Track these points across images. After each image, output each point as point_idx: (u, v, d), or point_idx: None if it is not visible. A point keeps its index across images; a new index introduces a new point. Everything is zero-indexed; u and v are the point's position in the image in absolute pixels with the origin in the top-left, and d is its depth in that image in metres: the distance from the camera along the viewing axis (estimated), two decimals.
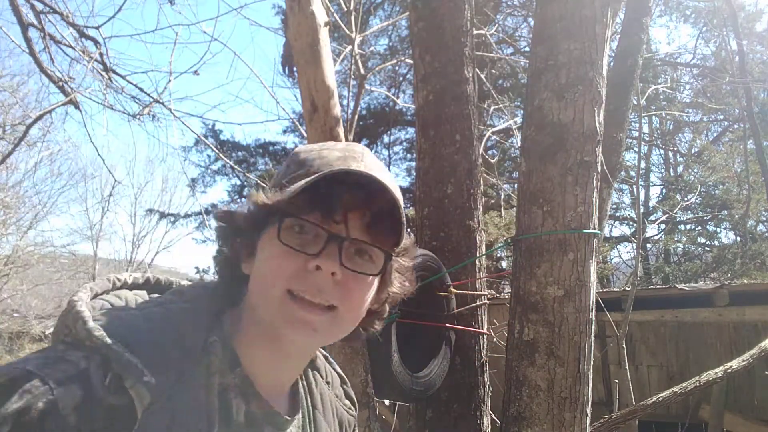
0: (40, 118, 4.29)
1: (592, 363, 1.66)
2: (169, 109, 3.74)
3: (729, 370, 2.28)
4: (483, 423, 2.22)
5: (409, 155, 13.98)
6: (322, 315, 0.63)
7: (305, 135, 1.94)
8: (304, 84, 1.79)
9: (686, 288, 5.33)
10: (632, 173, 9.84)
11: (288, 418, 0.71)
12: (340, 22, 3.43)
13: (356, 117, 3.43)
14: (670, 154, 15.60)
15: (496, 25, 7.45)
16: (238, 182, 14.42)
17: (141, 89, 4.05)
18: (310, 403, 0.79)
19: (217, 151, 11.94)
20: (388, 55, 12.17)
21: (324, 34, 1.77)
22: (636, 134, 10.45)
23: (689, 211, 12.86)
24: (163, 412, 0.56)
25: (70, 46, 3.98)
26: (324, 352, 0.89)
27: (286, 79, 9.59)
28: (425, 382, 2.04)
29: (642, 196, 14.53)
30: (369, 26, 9.84)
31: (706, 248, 13.21)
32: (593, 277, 1.65)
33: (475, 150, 2.31)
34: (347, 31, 3.24)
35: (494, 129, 4.45)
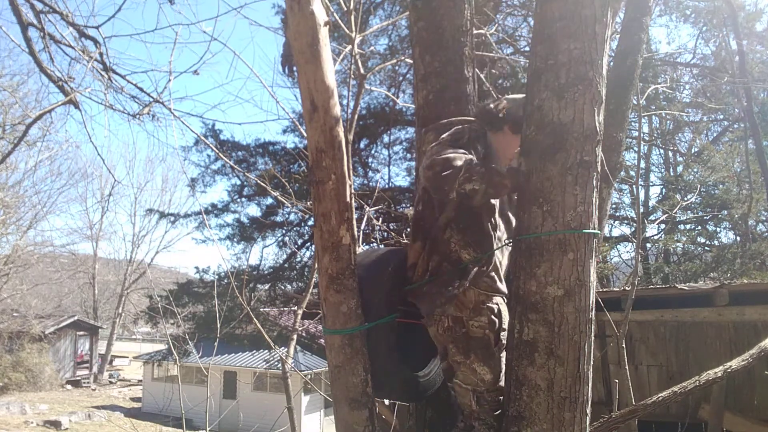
0: (39, 117, 4.28)
1: (592, 363, 1.66)
2: (169, 109, 3.73)
3: (729, 370, 2.28)
4: None
5: (409, 155, 13.97)
6: None
7: (305, 134, 1.94)
8: (303, 83, 1.79)
9: (686, 288, 5.32)
10: (632, 173, 9.84)
11: None
12: (340, 21, 3.43)
13: (356, 116, 3.43)
14: (670, 153, 15.60)
15: (496, 25, 7.44)
16: (238, 182, 14.43)
17: (141, 89, 4.03)
18: None
19: (217, 151, 11.94)
20: (388, 54, 12.15)
21: (324, 33, 1.77)
22: (636, 134, 10.44)
23: (689, 211, 12.86)
24: None
25: (70, 46, 3.97)
26: None
27: (286, 79, 9.58)
28: (425, 382, 2.04)
29: (642, 196, 14.54)
30: (369, 26, 9.83)
31: (706, 248, 13.22)
32: (593, 277, 1.65)
33: None
34: (347, 31, 3.24)
35: None
